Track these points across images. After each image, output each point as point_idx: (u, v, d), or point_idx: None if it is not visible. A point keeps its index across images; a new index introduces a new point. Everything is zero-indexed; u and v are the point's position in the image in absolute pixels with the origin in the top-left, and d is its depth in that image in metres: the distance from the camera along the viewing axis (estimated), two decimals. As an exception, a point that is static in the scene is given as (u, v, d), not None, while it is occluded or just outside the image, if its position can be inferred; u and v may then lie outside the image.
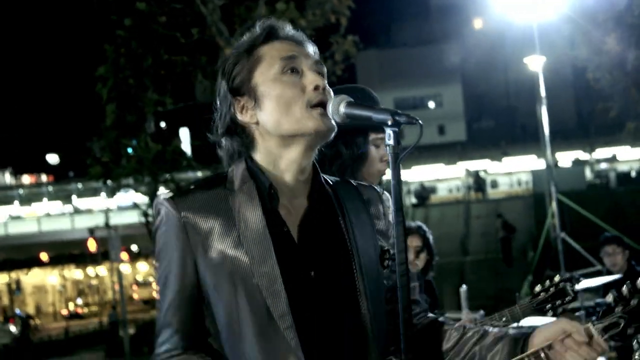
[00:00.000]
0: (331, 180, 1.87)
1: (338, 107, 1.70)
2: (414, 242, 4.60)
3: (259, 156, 1.78)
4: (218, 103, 1.81)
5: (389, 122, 1.58)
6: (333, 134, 1.76)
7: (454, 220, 27.88)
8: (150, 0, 16.21)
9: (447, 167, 42.03)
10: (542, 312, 2.74)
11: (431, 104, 47.21)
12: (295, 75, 1.75)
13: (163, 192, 1.80)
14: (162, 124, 21.34)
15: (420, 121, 1.59)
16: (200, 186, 1.77)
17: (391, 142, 1.57)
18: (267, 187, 1.73)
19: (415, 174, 38.64)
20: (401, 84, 42.51)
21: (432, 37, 44.25)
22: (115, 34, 15.99)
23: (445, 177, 41.83)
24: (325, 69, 1.81)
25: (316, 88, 1.73)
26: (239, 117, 1.78)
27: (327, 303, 1.71)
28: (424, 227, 4.77)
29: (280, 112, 1.73)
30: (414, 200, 32.75)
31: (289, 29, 1.81)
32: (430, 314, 1.96)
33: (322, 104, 1.74)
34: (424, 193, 33.74)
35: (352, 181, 1.92)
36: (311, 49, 1.82)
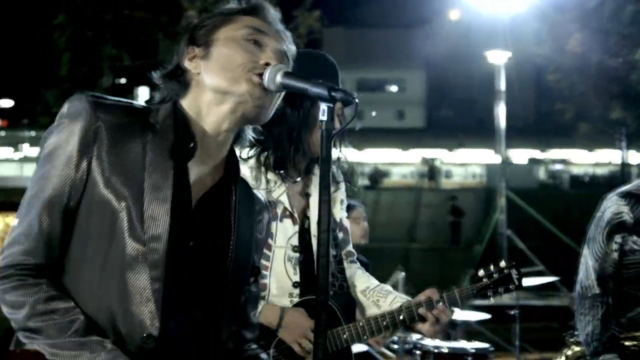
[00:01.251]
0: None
1: (275, 76, 1.68)
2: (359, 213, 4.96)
3: (187, 104, 1.75)
4: (178, 47, 1.82)
5: (325, 97, 1.56)
6: (265, 110, 1.74)
7: (404, 207, 28.10)
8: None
9: (403, 152, 42.13)
10: (483, 298, 2.71)
11: (393, 88, 47.11)
12: (255, 47, 1.74)
13: (79, 92, 1.70)
14: (122, 80, 21.10)
15: (356, 100, 1.57)
16: (124, 106, 1.70)
17: (324, 117, 1.55)
18: (192, 139, 1.70)
19: (370, 156, 38.63)
20: (365, 65, 42.25)
21: (402, 21, 44.13)
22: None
23: (400, 162, 41.89)
24: (288, 64, 1.78)
25: (267, 64, 1.71)
26: (186, 63, 1.76)
27: (195, 277, 1.68)
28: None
29: (223, 68, 1.72)
30: (366, 182, 32.80)
31: (276, 16, 1.81)
32: (255, 350, 1.91)
33: (262, 75, 1.72)
34: (377, 176, 33.84)
35: (250, 184, 1.90)
36: (287, 45, 1.81)
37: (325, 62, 2.62)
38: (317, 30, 16.79)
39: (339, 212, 2.83)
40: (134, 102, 1.74)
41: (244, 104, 1.71)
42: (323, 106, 1.55)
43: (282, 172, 2.61)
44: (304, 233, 2.65)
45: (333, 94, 1.55)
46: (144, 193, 1.61)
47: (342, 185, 2.81)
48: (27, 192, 1.64)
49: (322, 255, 1.53)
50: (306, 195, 2.70)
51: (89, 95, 1.66)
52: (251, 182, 2.43)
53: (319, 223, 1.54)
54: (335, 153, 2.62)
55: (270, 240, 2.54)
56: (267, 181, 2.58)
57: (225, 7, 1.81)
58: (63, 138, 1.62)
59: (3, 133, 43.45)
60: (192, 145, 1.69)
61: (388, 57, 43.68)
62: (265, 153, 2.61)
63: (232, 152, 1.79)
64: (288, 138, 2.56)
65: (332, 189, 2.72)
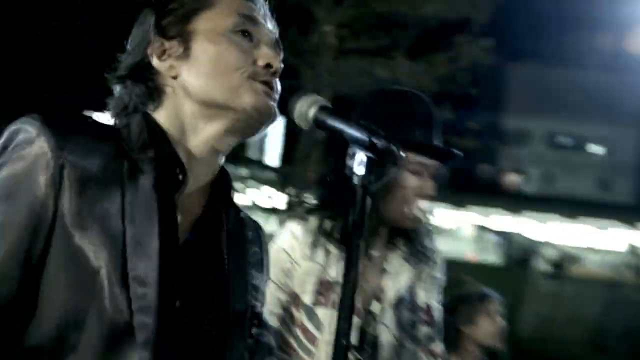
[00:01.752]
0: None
1: (307, 110, 1.46)
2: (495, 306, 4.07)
3: (163, 118, 1.51)
4: (133, 36, 1.54)
5: (364, 144, 1.39)
6: (271, 123, 1.52)
7: (594, 305, 23.57)
8: None
9: (603, 233, 37.02)
10: None
11: (595, 149, 41.38)
12: (247, 41, 1.52)
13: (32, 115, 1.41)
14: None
15: (401, 152, 1.40)
16: (88, 129, 1.44)
17: (361, 170, 1.38)
18: (176, 165, 1.46)
19: (557, 234, 34.50)
20: (557, 115, 36.86)
21: (610, 61, 37.70)
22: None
23: (597, 246, 36.78)
24: (282, 56, 1.56)
25: (268, 66, 1.51)
26: (155, 62, 1.51)
27: (187, 344, 1.45)
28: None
29: (214, 73, 1.48)
30: (547, 267, 28.56)
31: None
32: None
33: (268, 85, 1.50)
34: (564, 261, 29.52)
35: (238, 205, 1.65)
36: (272, 24, 1.60)
37: (417, 106, 2.32)
38: (484, 63, 13.75)
39: (427, 295, 2.46)
40: (92, 117, 1.49)
41: (245, 122, 1.50)
42: (361, 155, 1.38)
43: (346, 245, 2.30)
44: (368, 324, 2.32)
45: (374, 140, 1.38)
46: (125, 248, 1.38)
47: (439, 261, 2.49)
48: None
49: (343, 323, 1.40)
50: (382, 272, 2.40)
51: (44, 118, 1.39)
52: (304, 250, 2.32)
53: (341, 303, 1.40)
54: (428, 218, 2.40)
55: (314, 331, 2.28)
56: (327, 253, 2.30)
57: None
58: (18, 178, 1.36)
59: None
60: (180, 176, 1.47)
61: (589, 107, 38.03)
62: (331, 219, 2.33)
63: (221, 169, 1.59)
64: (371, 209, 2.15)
65: (420, 261, 2.45)
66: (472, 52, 13.49)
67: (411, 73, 13.04)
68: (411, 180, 2.27)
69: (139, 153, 1.43)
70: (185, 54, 1.49)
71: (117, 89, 1.52)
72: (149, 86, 1.50)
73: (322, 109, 1.45)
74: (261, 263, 1.65)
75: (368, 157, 1.38)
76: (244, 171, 14.50)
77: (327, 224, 2.31)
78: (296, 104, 1.47)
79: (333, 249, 2.30)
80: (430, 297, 2.46)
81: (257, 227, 1.68)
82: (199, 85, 1.47)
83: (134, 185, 1.40)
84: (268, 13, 1.59)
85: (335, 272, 2.28)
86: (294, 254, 2.31)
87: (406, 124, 2.27)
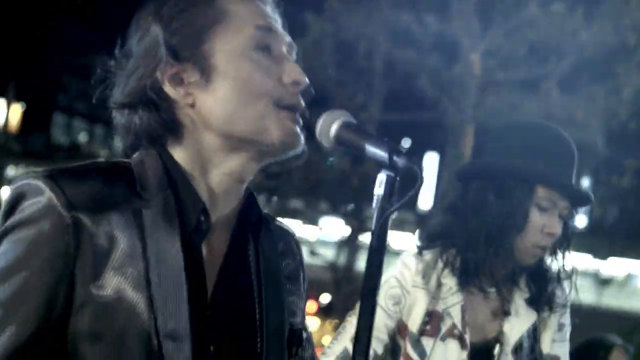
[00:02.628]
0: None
1: (329, 127, 1.37)
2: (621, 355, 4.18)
3: (181, 152, 1.41)
4: (133, 51, 1.40)
5: (384, 163, 1.29)
6: (298, 154, 1.44)
7: None
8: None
9: None
10: None
11: None
12: (267, 57, 1.41)
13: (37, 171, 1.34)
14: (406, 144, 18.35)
15: (422, 172, 1.27)
16: (96, 176, 1.34)
17: (380, 190, 1.28)
18: (199, 211, 1.38)
19: None
20: None
21: None
22: None
23: None
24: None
25: (296, 84, 1.41)
26: (168, 89, 1.38)
27: None
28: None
29: (237, 102, 1.37)
30: None
31: None
32: None
33: (293, 109, 1.41)
34: None
35: (268, 217, 1.55)
36: (283, 25, 1.48)
37: (558, 142, 2.25)
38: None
39: (551, 344, 2.37)
40: (99, 161, 1.40)
41: (270, 152, 1.42)
42: (382, 175, 1.29)
43: (464, 277, 2.29)
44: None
45: (395, 158, 1.27)
46: (153, 306, 1.31)
47: (567, 309, 2.40)
48: None
49: None
50: (503, 314, 2.33)
51: (50, 173, 1.30)
52: (415, 279, 2.29)
53: (355, 341, 1.27)
54: (566, 261, 2.33)
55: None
56: (439, 285, 2.29)
57: None
58: (26, 247, 1.27)
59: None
60: (205, 226, 1.39)
61: None
62: (451, 251, 2.31)
63: (247, 192, 1.50)
64: (486, 237, 2.23)
65: (545, 307, 2.36)
66: (636, 82, 12.48)
67: (565, 107, 12.20)
68: (538, 216, 2.21)
69: (156, 197, 1.35)
70: (203, 80, 1.38)
71: (122, 114, 1.40)
72: (164, 117, 1.39)
73: (345, 125, 1.36)
74: (297, 274, 1.59)
75: (388, 176, 1.28)
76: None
77: (448, 256, 2.30)
78: (319, 121, 1.39)
79: (448, 279, 2.30)
80: (555, 347, 2.39)
81: (289, 236, 1.60)
82: (221, 116, 1.37)
83: (155, 239, 1.32)
84: (277, 12, 1.47)
85: (449, 302, 2.28)
86: (404, 283, 2.30)
87: (542, 158, 2.22)
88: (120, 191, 1.34)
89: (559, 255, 2.34)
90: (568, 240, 2.30)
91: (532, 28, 12.56)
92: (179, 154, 1.40)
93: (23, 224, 1.28)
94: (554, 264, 2.35)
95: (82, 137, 39.36)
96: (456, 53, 13.21)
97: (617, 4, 12.27)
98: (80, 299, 1.27)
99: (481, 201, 2.22)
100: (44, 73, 29.99)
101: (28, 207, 1.28)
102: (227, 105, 1.37)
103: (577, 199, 2.27)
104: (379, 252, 1.28)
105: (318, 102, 1.53)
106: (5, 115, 22.04)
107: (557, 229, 2.22)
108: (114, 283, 1.29)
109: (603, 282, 19.99)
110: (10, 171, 27.17)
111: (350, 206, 13.98)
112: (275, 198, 13.23)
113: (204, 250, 1.40)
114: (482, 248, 2.25)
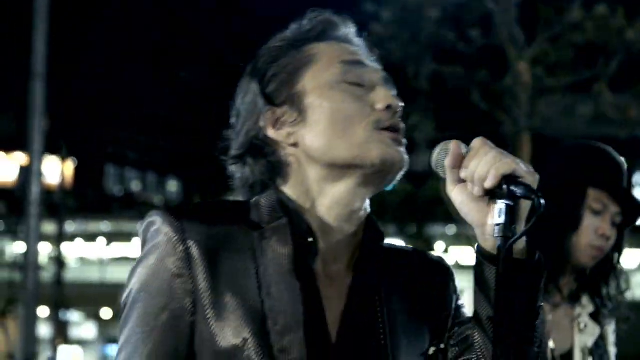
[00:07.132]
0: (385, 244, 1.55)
1: (444, 157, 1.40)
2: None
3: (290, 190, 1.47)
4: (240, 111, 1.51)
5: (502, 191, 1.32)
6: (402, 172, 1.47)
7: None
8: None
9: None
10: None
11: None
12: (358, 87, 1.46)
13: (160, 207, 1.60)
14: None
15: (541, 199, 1.31)
16: (213, 211, 1.48)
17: (501, 219, 1.31)
18: (307, 233, 1.43)
19: None
20: None
21: None
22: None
23: None
24: (395, 91, 1.52)
25: (389, 107, 1.45)
26: (271, 133, 1.47)
27: None
28: None
29: (335, 131, 1.44)
30: None
31: (350, 29, 1.53)
32: None
33: (394, 130, 1.45)
34: None
35: (415, 252, 1.60)
36: (377, 62, 1.54)
37: (606, 155, 2.36)
38: None
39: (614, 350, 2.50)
40: (224, 200, 1.57)
41: (375, 176, 1.45)
42: (500, 204, 1.32)
43: None
44: None
45: (512, 187, 1.31)
46: (266, 321, 1.38)
47: (612, 321, 2.48)
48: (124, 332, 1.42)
49: None
50: (572, 330, 2.40)
51: (169, 208, 1.48)
52: None
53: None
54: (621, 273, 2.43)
55: None
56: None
57: (287, 35, 1.51)
58: (153, 263, 1.41)
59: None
60: (310, 239, 1.44)
61: None
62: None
63: (367, 220, 1.51)
64: (551, 247, 2.21)
65: (608, 317, 2.45)
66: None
67: (617, 106, 12.58)
68: (591, 219, 2.31)
69: (269, 223, 1.44)
70: (301, 117, 1.46)
71: (236, 168, 1.51)
72: (271, 161, 1.48)
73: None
74: (446, 303, 1.54)
75: (507, 205, 1.33)
76: (451, 229, 14.36)
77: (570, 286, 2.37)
78: (434, 152, 1.44)
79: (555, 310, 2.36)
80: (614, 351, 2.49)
81: (446, 267, 1.59)
82: (322, 147, 1.44)
83: (265, 255, 1.41)
84: (369, 51, 1.55)
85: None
86: None
87: (593, 165, 2.35)
88: (236, 222, 1.44)
89: (615, 263, 2.41)
90: (620, 249, 2.38)
91: (577, 32, 12.91)
92: (288, 191, 1.47)
93: (148, 253, 1.42)
94: (612, 281, 2.42)
95: (135, 186, 40.42)
96: (504, 64, 13.64)
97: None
98: (200, 311, 1.38)
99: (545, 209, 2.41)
100: (93, 126, 30.90)
101: (151, 238, 1.42)
102: (326, 136, 1.44)
103: (628, 204, 2.34)
104: (506, 277, 1.31)
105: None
106: (60, 173, 22.92)
107: (609, 230, 2.30)
108: (228, 297, 1.39)
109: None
110: (69, 227, 27.94)
111: (415, 228, 14.30)
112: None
113: (320, 272, 1.45)
114: (548, 260, 2.48)
